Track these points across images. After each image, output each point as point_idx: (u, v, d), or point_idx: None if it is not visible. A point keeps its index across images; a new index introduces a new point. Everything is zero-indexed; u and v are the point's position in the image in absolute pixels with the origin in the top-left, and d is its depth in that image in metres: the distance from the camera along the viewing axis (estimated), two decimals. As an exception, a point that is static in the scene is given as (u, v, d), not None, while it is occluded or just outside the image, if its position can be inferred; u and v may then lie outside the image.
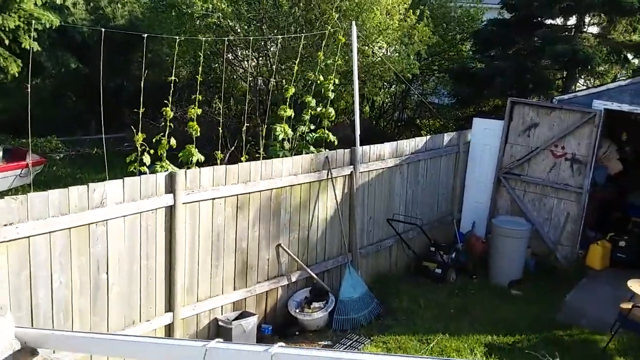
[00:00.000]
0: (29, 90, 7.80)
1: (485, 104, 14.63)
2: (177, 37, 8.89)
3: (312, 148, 8.21)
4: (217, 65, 13.57)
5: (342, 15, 11.71)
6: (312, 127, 8.41)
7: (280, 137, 7.89)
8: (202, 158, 7.11)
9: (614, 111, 9.43)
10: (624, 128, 11.65)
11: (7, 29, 10.67)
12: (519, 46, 13.45)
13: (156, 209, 5.75)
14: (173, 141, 6.85)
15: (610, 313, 7.54)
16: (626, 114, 9.69)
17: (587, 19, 13.19)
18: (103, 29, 7.15)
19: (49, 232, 4.94)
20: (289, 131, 8.00)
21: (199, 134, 7.14)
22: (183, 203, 5.95)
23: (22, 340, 3.64)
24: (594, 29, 13.61)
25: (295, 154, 7.72)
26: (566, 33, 13.00)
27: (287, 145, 7.99)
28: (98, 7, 17.09)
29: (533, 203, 9.89)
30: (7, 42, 10.89)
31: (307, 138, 8.32)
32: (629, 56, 13.33)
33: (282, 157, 7.35)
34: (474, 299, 8.47)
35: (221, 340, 3.18)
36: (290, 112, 8.07)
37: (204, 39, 10.33)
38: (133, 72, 16.69)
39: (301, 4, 12.33)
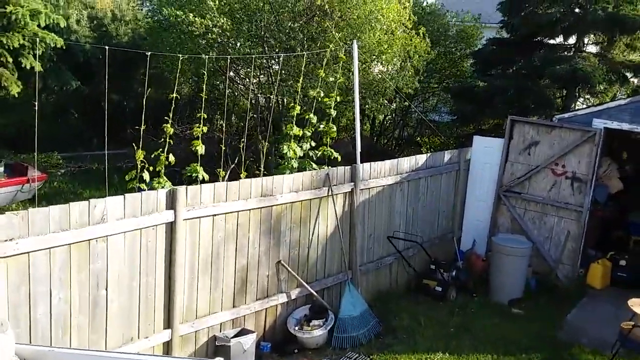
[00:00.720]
0: (36, 108, 7.85)
1: (486, 122, 14.70)
2: (180, 55, 8.96)
3: (314, 165, 8.24)
4: (218, 82, 13.66)
5: (342, 34, 11.82)
6: (314, 144, 8.44)
7: (289, 155, 7.92)
8: (207, 177, 7.14)
9: (613, 130, 9.47)
10: (624, 147, 11.69)
11: (11, 48, 10.79)
12: (519, 65, 13.56)
13: (157, 225, 5.76)
14: (172, 157, 6.88)
15: (611, 332, 7.50)
16: (626, 133, 9.73)
17: (586, 39, 13.32)
18: (107, 47, 7.21)
19: (49, 248, 4.94)
20: (298, 150, 8.03)
21: (203, 152, 7.17)
22: (184, 219, 5.96)
23: (21, 357, 3.62)
24: (593, 49, 13.72)
25: (297, 171, 7.75)
26: (565, 52, 13.11)
27: (295, 163, 8.01)
28: (101, 24, 17.26)
29: (533, 221, 9.89)
30: (10, 60, 11.01)
31: (311, 154, 8.35)
32: (628, 75, 13.42)
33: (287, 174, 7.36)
34: (475, 317, 8.42)
35: (221, 358, 3.17)
36: (298, 131, 8.11)
37: (207, 57, 10.42)
38: (135, 90, 16.81)
39: (302, 22, 12.45)
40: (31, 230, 4.80)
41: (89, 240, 5.20)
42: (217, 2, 12.00)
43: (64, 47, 11.90)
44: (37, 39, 11.09)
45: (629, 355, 7.28)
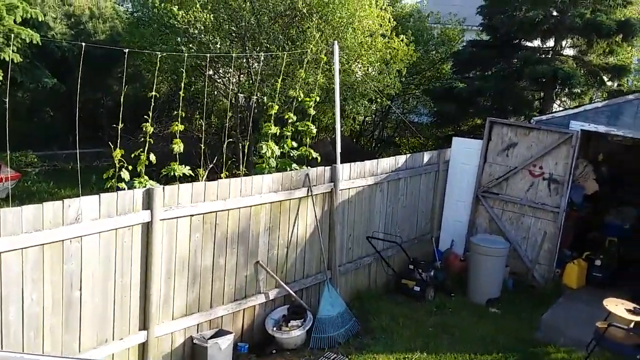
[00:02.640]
0: (7, 105, 7.71)
1: (465, 124, 14.81)
2: (159, 52, 8.86)
3: (294, 165, 8.21)
4: (198, 81, 13.54)
5: (323, 35, 11.80)
6: (295, 144, 8.41)
7: (267, 154, 7.88)
8: (190, 172, 7.06)
9: (590, 132, 9.59)
10: (600, 149, 11.87)
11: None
12: (498, 67, 13.68)
13: (133, 225, 5.67)
14: (153, 157, 6.79)
15: (586, 332, 7.58)
16: (602, 135, 9.86)
17: (564, 42, 13.48)
18: (84, 44, 7.10)
19: (22, 249, 4.83)
20: (276, 149, 7.99)
21: (182, 150, 7.09)
22: (160, 219, 5.88)
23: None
24: (571, 52, 13.90)
25: (277, 171, 7.71)
26: (544, 55, 13.26)
27: (273, 162, 7.97)
28: (79, 22, 17.03)
29: (511, 222, 9.98)
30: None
31: (291, 154, 8.32)
32: (605, 78, 13.61)
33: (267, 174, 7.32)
34: (453, 317, 8.47)
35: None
36: (275, 130, 8.07)
37: (186, 54, 10.32)
38: (112, 87, 16.62)
39: (281, 21, 12.39)
40: (3, 230, 4.69)
41: (62, 240, 5.10)
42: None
43: (40, 44, 11.71)
44: (12, 35, 10.88)
45: (604, 354, 7.38)
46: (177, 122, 7.22)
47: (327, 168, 7.84)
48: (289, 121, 8.29)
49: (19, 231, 4.80)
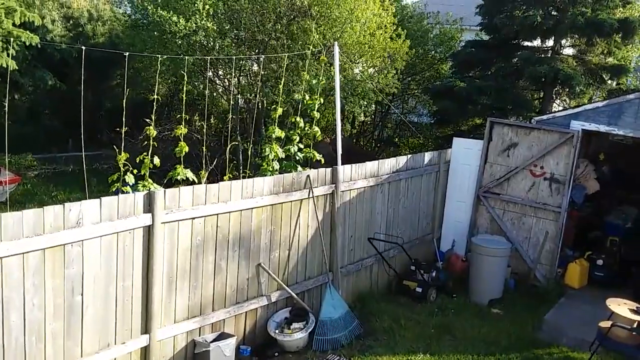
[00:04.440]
0: (6, 109, 7.69)
1: (465, 124, 14.80)
2: (159, 56, 8.84)
3: (300, 167, 8.20)
4: (197, 83, 13.52)
5: (322, 34, 11.79)
6: (302, 146, 8.40)
7: (271, 157, 7.87)
8: (194, 177, 7.04)
9: (591, 132, 9.58)
10: (601, 148, 11.85)
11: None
12: (498, 67, 13.67)
13: (134, 229, 5.65)
14: (157, 160, 6.78)
15: (589, 332, 7.57)
16: (603, 135, 9.85)
17: (563, 42, 13.48)
18: (83, 47, 7.07)
19: (23, 253, 4.80)
20: (280, 152, 7.98)
21: (184, 153, 7.07)
22: (162, 223, 5.85)
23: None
24: (571, 51, 13.89)
25: (280, 173, 7.69)
26: (543, 55, 13.25)
27: (276, 165, 7.95)
28: (78, 24, 17.00)
29: (512, 222, 9.96)
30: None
31: (297, 157, 8.30)
32: (605, 77, 13.60)
33: (268, 176, 7.30)
34: (455, 318, 8.44)
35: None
36: (280, 133, 8.06)
37: (186, 57, 10.29)
38: (111, 90, 16.60)
39: (283, 21, 12.38)
40: (4, 234, 4.66)
41: (63, 245, 5.07)
42: (206, 5, 11.85)
43: (39, 46, 11.69)
44: (12, 39, 10.86)
45: (608, 355, 7.36)
46: (180, 126, 7.20)
47: (328, 169, 7.82)
48: (298, 125, 8.25)
49: (20, 235, 4.77)
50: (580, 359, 7.52)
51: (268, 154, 7.87)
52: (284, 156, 8.11)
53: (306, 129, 8.43)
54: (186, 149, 7.08)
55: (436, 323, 8.21)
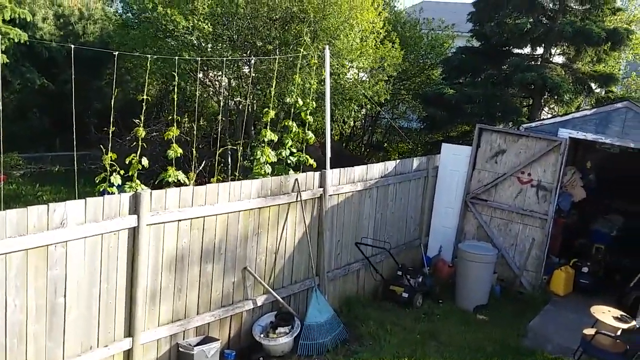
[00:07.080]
0: (0, 107, 7.59)
1: (454, 130, 14.85)
2: (149, 56, 8.79)
3: (292, 171, 8.18)
4: (188, 84, 13.46)
5: (316, 38, 11.78)
6: (295, 150, 8.38)
7: (262, 160, 7.84)
8: (186, 179, 7.00)
9: (578, 139, 9.64)
10: (588, 156, 11.94)
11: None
12: (488, 74, 13.75)
13: (119, 230, 5.60)
14: (145, 161, 6.72)
15: (573, 339, 7.61)
16: (590, 143, 9.92)
17: (553, 50, 13.58)
18: (73, 46, 7.02)
19: (5, 254, 4.75)
20: (272, 155, 7.95)
21: (178, 155, 7.04)
22: (147, 224, 5.81)
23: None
24: (560, 59, 14.00)
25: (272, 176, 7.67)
26: (533, 62, 13.34)
27: (268, 169, 7.93)
28: (68, 22, 16.88)
29: (499, 228, 10.00)
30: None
31: (289, 161, 8.28)
32: (593, 86, 13.72)
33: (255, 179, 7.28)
34: (441, 324, 8.46)
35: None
36: (273, 136, 8.03)
37: (176, 57, 10.24)
38: (100, 89, 16.47)
39: (277, 25, 12.36)
40: (-14, 235, 4.61)
41: (47, 245, 5.02)
42: (205, 6, 11.80)
43: (27, 44, 11.59)
44: (0, 35, 10.76)
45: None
46: (173, 127, 7.16)
47: (317, 173, 7.81)
48: (291, 129, 8.22)
49: (3, 236, 4.71)
50: (564, 366, 7.56)
51: (259, 157, 7.84)
52: (275, 160, 8.09)
53: (299, 134, 8.42)
54: (180, 151, 7.05)
55: (422, 328, 8.22)
